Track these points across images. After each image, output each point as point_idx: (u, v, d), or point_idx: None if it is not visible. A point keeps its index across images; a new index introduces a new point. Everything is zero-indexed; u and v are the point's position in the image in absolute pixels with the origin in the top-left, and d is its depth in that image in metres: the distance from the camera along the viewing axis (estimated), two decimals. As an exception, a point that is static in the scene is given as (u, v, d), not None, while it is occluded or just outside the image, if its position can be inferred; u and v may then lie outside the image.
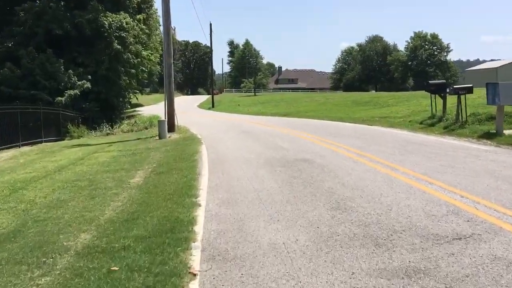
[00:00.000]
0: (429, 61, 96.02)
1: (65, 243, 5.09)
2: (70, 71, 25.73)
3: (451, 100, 16.95)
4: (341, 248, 4.52)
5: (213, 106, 52.48)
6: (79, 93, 25.68)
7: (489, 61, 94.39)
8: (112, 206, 6.77)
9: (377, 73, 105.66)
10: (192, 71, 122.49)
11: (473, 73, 77.20)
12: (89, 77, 26.82)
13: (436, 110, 17.95)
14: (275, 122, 23.29)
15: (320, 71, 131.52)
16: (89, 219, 6.12)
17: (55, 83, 25.17)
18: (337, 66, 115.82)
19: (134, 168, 10.16)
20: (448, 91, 16.33)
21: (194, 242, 4.88)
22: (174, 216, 5.88)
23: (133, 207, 6.61)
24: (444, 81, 17.70)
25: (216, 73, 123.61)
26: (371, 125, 19.01)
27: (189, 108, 49.30)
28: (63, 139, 22.70)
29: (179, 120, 20.11)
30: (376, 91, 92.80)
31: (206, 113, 42.42)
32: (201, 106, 56.65)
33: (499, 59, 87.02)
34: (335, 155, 10.54)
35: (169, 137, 17.15)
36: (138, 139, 17.39)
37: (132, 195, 7.42)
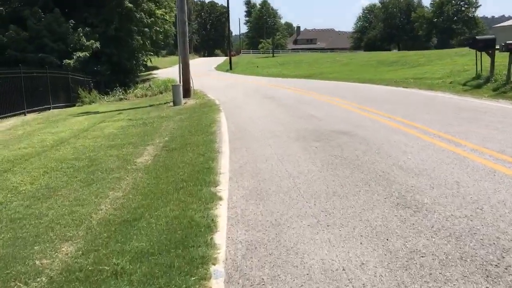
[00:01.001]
0: (455, 18, 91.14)
1: (37, 262, 3.71)
2: (80, 29, 24.05)
3: (498, 58, 14.94)
4: (435, 283, 3.02)
5: (230, 68, 50.49)
6: (88, 55, 24.15)
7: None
8: (111, 198, 5.36)
9: (400, 31, 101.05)
10: (208, 32, 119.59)
11: (502, 30, 72.62)
12: (97, 36, 25.09)
13: (481, 69, 15.94)
14: (298, 85, 21.49)
15: (340, 31, 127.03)
16: (78, 218, 4.73)
17: (64, 45, 23.66)
18: (358, 25, 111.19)
19: (143, 143, 8.73)
20: (498, 47, 14.28)
21: (214, 264, 3.44)
22: (188, 216, 4.44)
23: (137, 199, 5.19)
24: (494, 36, 15.53)
25: (233, 34, 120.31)
26: (406, 87, 17.11)
27: (206, 71, 47.46)
28: (74, 105, 21.42)
29: (195, 83, 18.54)
30: (398, 50, 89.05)
31: (224, 75, 40.58)
32: (218, 68, 54.66)
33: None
34: (378, 126, 8.90)
35: (185, 103, 15.65)
36: (151, 105, 15.94)
37: (137, 181, 6.01)
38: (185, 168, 6.39)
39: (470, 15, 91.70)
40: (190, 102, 15.91)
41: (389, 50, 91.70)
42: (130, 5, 27.44)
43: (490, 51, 14.97)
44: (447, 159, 6.02)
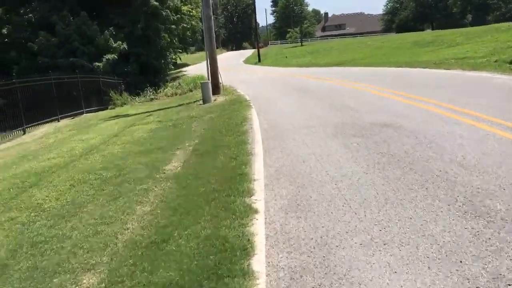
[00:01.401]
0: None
1: (55, 300, 3.30)
2: (107, 32, 23.98)
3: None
4: (536, 326, 2.38)
5: (259, 61, 49.83)
6: (116, 57, 24.05)
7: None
8: (138, 214, 4.93)
9: (433, 9, 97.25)
10: (235, 25, 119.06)
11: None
12: (123, 37, 24.97)
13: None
14: (330, 74, 20.66)
15: (369, 14, 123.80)
16: (103, 240, 4.32)
17: (93, 47, 23.64)
18: (388, 6, 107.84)
19: (172, 147, 8.31)
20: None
21: (253, 303, 2.91)
22: (221, 236, 3.93)
23: (165, 215, 4.73)
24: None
25: (260, 25, 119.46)
26: (448, 68, 16.02)
27: (234, 65, 47.02)
28: (106, 108, 21.41)
29: (224, 78, 18.05)
30: (432, 29, 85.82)
31: (253, 68, 40.00)
32: (247, 61, 54.11)
33: None
34: (424, 115, 8.12)
35: (214, 100, 15.19)
36: (181, 105, 15.57)
37: (166, 192, 5.56)
38: (216, 175, 5.89)
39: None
40: (220, 99, 15.44)
41: (423, 30, 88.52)
42: (155, 3, 27.19)
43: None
44: (513, 152, 5.26)
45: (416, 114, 8.25)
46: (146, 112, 14.94)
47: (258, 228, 4.06)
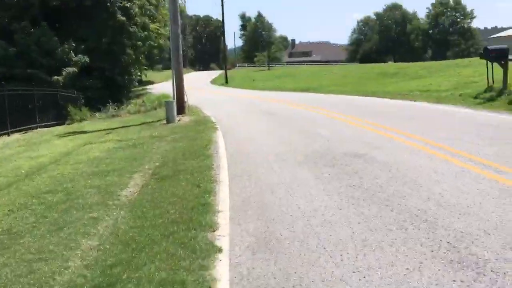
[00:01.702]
0: (451, 29, 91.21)
1: None
2: (66, 45, 23.05)
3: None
4: None
5: (226, 82, 49.67)
6: (77, 71, 23.09)
7: (507, 28, 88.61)
8: (84, 248, 4.30)
9: (396, 43, 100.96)
10: (203, 46, 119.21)
11: (497, 40, 72.27)
12: (85, 49, 24.10)
13: (492, 81, 15.03)
14: (298, 99, 20.53)
15: (335, 43, 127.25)
16: (37, 281, 3.67)
17: (53, 60, 22.63)
18: (353, 37, 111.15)
19: (130, 169, 7.68)
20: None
21: None
22: (178, 281, 3.39)
23: (115, 251, 4.13)
24: (506, 46, 14.67)
25: (228, 47, 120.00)
26: (414, 100, 16.18)
27: (201, 85, 46.60)
28: (64, 123, 20.36)
29: (191, 98, 17.58)
30: (394, 62, 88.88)
31: (220, 89, 39.71)
32: (214, 82, 53.83)
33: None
34: (395, 147, 7.89)
35: (179, 120, 14.64)
36: (143, 123, 14.91)
37: (118, 223, 4.95)
38: (176, 204, 5.34)
39: (465, 26, 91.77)
40: (185, 119, 14.90)
41: (385, 62, 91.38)
42: (123, 18, 26.55)
43: (503, 62, 14.10)
44: (492, 191, 5.01)
45: (387, 145, 8.02)
46: (106, 129, 14.18)
47: (222, 271, 3.55)
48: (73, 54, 23.17)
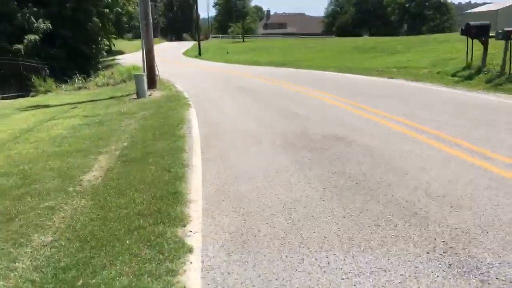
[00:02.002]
0: (427, 3, 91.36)
1: None
2: (27, 10, 21.56)
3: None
4: None
5: (200, 54, 48.39)
6: (38, 38, 21.65)
7: (481, 4, 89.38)
8: (35, 245, 3.78)
9: (372, 16, 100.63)
10: (175, 14, 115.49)
11: (472, 16, 72.73)
12: (48, 15, 22.61)
13: (471, 59, 14.86)
14: (274, 75, 19.99)
15: (311, 15, 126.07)
16: (-23, 290, 3.16)
17: (11, 26, 21.12)
18: (329, 9, 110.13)
19: (95, 149, 7.09)
20: (495, 35, 13.21)
21: None
22: (142, 290, 2.95)
23: (71, 249, 3.64)
24: (488, 22, 14.42)
25: (201, 17, 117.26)
26: (391, 77, 15.92)
27: (173, 56, 45.27)
28: (27, 95, 19.25)
29: (162, 71, 16.76)
30: (370, 35, 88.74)
31: (193, 62, 38.60)
32: (186, 53, 52.39)
33: (493, 2, 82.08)
34: (377, 129, 7.56)
35: (149, 95, 13.93)
36: (112, 97, 14.13)
37: (78, 214, 4.44)
38: (144, 192, 4.86)
39: (441, 0, 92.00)
40: (156, 94, 14.19)
41: (361, 35, 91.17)
42: (87, -18, 25.09)
43: (484, 39, 13.89)
44: (483, 181, 4.72)
45: (368, 127, 7.68)
46: (71, 103, 13.36)
47: (192, 278, 3.12)
48: (33, 19, 21.69)
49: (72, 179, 5.59)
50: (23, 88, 19.60)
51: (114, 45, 36.81)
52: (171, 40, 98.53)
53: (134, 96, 13.84)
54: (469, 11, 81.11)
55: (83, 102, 13.51)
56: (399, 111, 8.90)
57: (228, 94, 13.36)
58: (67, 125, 9.45)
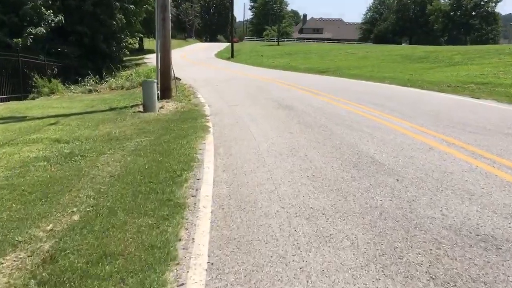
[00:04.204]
0: (474, 12, 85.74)
1: None
2: (39, 0, 18.71)
3: None
4: None
5: (232, 56, 45.31)
6: (44, 31, 18.72)
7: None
8: None
9: (414, 24, 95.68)
10: (211, 16, 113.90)
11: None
12: (61, 10, 19.75)
13: None
14: (318, 85, 16.36)
15: (348, 22, 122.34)
16: None
17: (16, 17, 18.27)
18: (368, 16, 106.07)
19: (7, 235, 3.77)
20: None
21: None
22: None
23: None
24: None
25: (237, 20, 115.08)
26: (475, 97, 12.10)
27: (204, 58, 42.31)
28: (24, 97, 16.39)
29: (188, 74, 13.58)
30: (410, 44, 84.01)
31: (224, 64, 35.42)
32: (219, 55, 49.40)
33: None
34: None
35: (161, 107, 10.68)
36: (111, 109, 10.92)
37: None
38: None
39: (490, 10, 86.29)
40: (169, 106, 10.92)
41: (400, 43, 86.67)
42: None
43: None
44: None
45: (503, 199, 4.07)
46: (56, 116, 10.18)
47: None
48: (44, 10, 18.78)
49: None
50: (20, 89, 16.71)
51: (139, 45, 34.02)
52: (205, 41, 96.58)
53: (141, 108, 10.63)
54: (512, 23, 75.32)
55: (72, 115, 10.30)
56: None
57: (263, 113, 9.85)
58: (18, 159, 6.20)
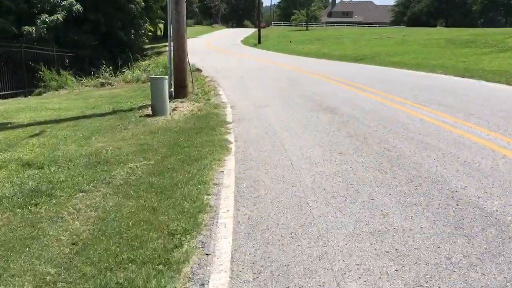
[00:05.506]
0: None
1: None
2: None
3: None
4: None
5: (259, 42, 43.14)
6: (61, 19, 17.06)
7: None
8: None
9: (450, 5, 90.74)
10: (237, 1, 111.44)
11: None
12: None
13: None
14: (361, 78, 14.03)
15: (380, 4, 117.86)
16: None
17: (26, 4, 16.61)
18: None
19: None
20: None
21: None
22: None
23: None
24: None
25: (264, 4, 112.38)
26: None
27: (230, 45, 40.23)
28: (29, 93, 14.82)
29: (210, 64, 11.57)
30: (446, 27, 79.56)
31: (250, 52, 33.27)
32: (245, 41, 47.21)
33: None
34: None
35: (173, 109, 8.79)
36: (114, 112, 9.07)
37: None
38: None
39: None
40: (183, 107, 9.00)
41: (435, 26, 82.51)
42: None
43: None
44: None
45: None
46: (45, 122, 8.40)
47: None
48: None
49: None
50: (24, 84, 15.07)
51: (161, 31, 32.27)
52: (231, 27, 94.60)
53: (149, 110, 8.76)
54: None
55: (65, 120, 8.48)
56: None
57: (299, 118, 7.75)
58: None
